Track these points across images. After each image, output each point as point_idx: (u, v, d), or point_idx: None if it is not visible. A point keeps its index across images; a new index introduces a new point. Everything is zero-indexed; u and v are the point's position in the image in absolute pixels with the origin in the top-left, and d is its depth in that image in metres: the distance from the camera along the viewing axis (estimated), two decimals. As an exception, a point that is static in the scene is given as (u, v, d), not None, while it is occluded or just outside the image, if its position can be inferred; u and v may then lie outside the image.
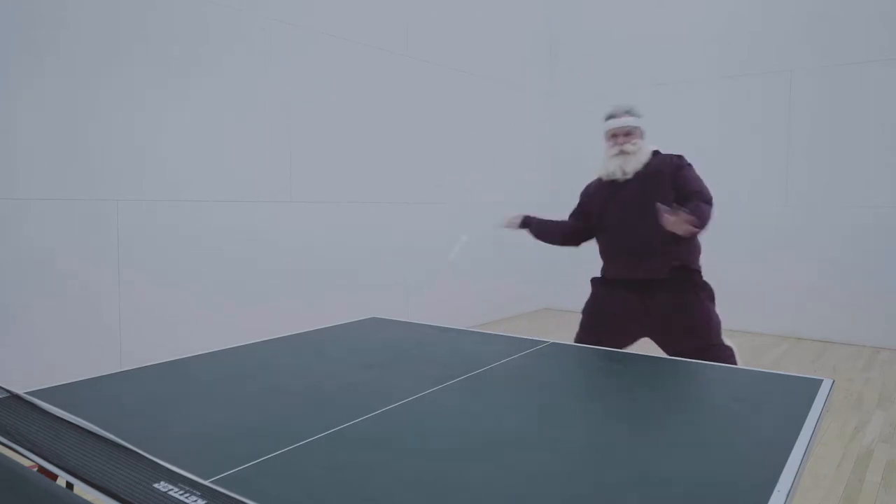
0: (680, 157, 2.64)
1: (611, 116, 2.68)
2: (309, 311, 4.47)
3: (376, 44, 5.00)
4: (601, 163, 2.71)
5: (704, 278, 2.67)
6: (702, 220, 2.44)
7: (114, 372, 1.83)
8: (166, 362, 1.94)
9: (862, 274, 5.36)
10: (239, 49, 4.03)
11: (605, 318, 2.73)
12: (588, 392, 1.68)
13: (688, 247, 2.60)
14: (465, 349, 2.14)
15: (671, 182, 2.56)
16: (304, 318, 4.33)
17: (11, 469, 0.99)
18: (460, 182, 5.89)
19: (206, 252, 3.90)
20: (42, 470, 1.15)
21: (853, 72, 5.37)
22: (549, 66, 7.10)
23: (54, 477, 1.17)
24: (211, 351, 2.09)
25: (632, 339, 2.72)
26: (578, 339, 2.78)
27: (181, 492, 0.90)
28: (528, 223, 2.89)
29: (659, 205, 2.45)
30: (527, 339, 2.34)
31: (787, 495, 1.05)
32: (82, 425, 1.17)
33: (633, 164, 2.60)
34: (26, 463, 1.06)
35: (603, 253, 2.77)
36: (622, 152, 2.61)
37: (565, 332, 5.63)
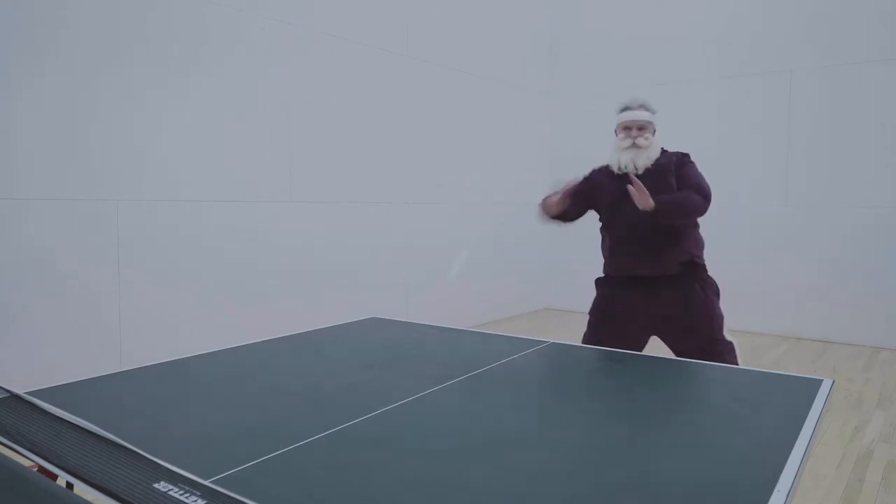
0: (685, 154, 2.65)
1: (625, 109, 2.68)
2: (309, 311, 4.47)
3: (376, 44, 5.00)
4: (611, 154, 2.70)
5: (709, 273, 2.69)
6: (682, 207, 2.48)
7: (114, 372, 1.83)
8: (166, 362, 1.94)
9: (862, 274, 5.36)
10: (239, 49, 4.03)
11: (612, 320, 2.73)
12: (588, 392, 1.68)
13: (694, 241, 2.62)
14: (465, 349, 2.14)
15: (675, 175, 2.58)
16: (304, 318, 4.32)
17: (11, 469, 0.99)
18: (460, 182, 5.89)
19: (206, 252, 3.90)
20: (42, 470, 1.15)
21: (853, 72, 5.36)
22: (549, 66, 7.10)
23: (54, 477, 1.17)
24: (211, 351, 2.09)
25: (640, 340, 2.71)
26: (587, 340, 2.77)
27: (181, 492, 0.90)
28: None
29: (632, 176, 2.49)
30: (527, 339, 2.34)
31: (787, 495, 1.05)
32: (82, 425, 1.17)
33: (644, 159, 2.60)
34: (26, 463, 1.06)
35: (608, 249, 2.76)
36: (634, 146, 2.60)
37: (565, 332, 5.64)
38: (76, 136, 3.32)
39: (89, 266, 3.39)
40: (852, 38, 5.36)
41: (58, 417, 1.23)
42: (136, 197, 3.57)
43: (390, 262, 5.19)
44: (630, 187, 2.46)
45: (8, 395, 1.36)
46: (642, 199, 2.44)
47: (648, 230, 2.56)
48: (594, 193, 2.75)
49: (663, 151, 2.67)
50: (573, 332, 5.58)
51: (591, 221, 2.87)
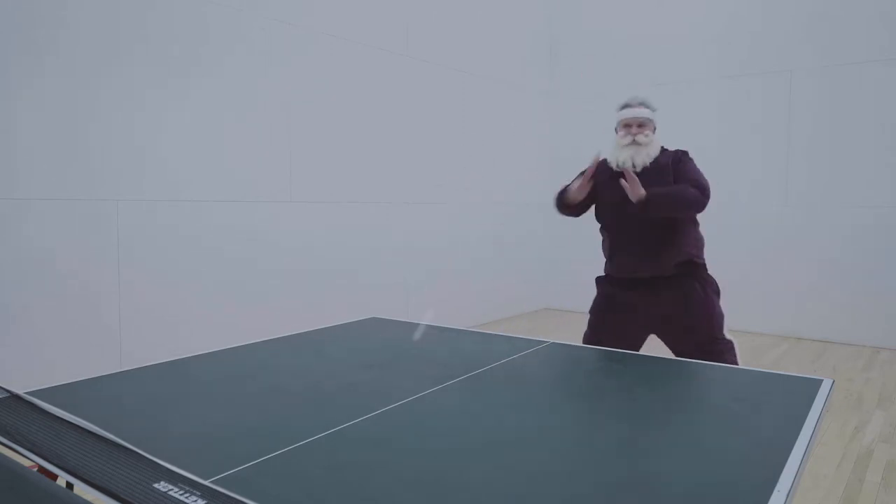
0: (684, 152, 2.64)
1: (626, 106, 2.68)
2: (309, 311, 4.47)
3: (376, 44, 5.00)
4: (611, 152, 2.70)
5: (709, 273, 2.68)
6: (676, 199, 2.46)
7: (114, 372, 1.83)
8: (166, 362, 1.94)
9: (862, 274, 5.36)
10: (239, 49, 4.03)
11: (612, 320, 2.72)
12: (588, 392, 1.68)
13: (693, 241, 2.61)
14: (465, 349, 2.14)
15: (672, 173, 2.57)
16: (304, 318, 4.32)
17: (11, 469, 0.99)
18: (460, 182, 5.89)
19: (206, 252, 3.90)
20: (42, 470, 1.15)
21: (853, 72, 5.37)
22: (549, 66, 7.10)
23: (54, 477, 1.17)
24: (211, 351, 2.09)
25: (638, 341, 2.71)
26: (587, 339, 2.77)
27: (181, 492, 0.90)
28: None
29: (625, 168, 2.49)
30: (527, 339, 2.34)
31: (787, 495, 1.05)
32: (82, 425, 1.17)
33: (644, 156, 2.59)
34: (26, 463, 1.06)
35: (607, 249, 2.76)
36: (634, 142, 2.60)
37: (565, 332, 5.64)
38: (76, 136, 3.32)
39: (89, 266, 3.39)
40: (852, 38, 5.36)
41: (58, 417, 1.23)
42: (136, 197, 3.57)
43: (390, 262, 5.19)
44: (622, 180, 2.47)
45: (8, 395, 1.36)
46: (634, 189, 2.44)
47: (647, 230, 2.56)
48: (597, 188, 2.75)
49: (663, 150, 2.67)
50: (573, 332, 5.58)
51: (590, 221, 2.87)
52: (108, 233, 3.46)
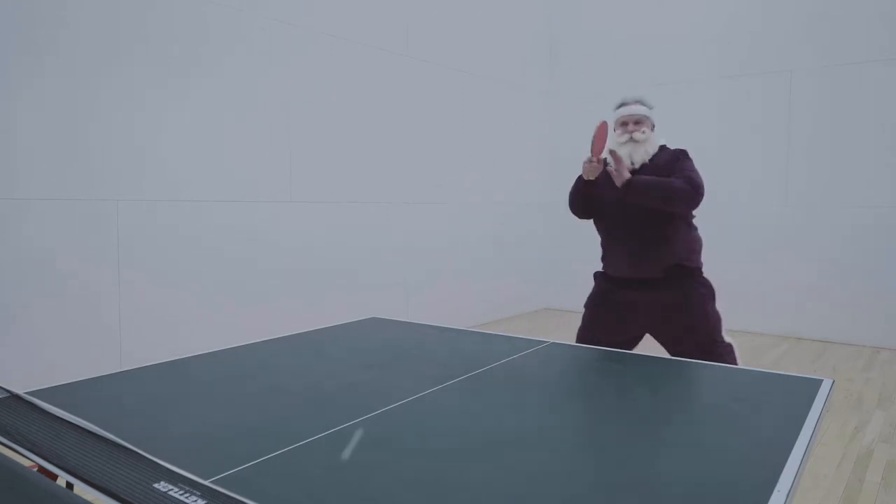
0: (682, 150, 2.62)
1: (622, 104, 2.68)
2: (309, 311, 4.47)
3: (376, 44, 5.00)
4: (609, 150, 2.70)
5: (705, 275, 2.66)
6: (659, 189, 2.44)
7: (114, 372, 1.83)
8: (166, 362, 1.94)
9: (862, 274, 5.36)
10: (239, 49, 4.03)
11: (606, 317, 2.72)
12: (588, 392, 1.68)
13: (685, 244, 2.58)
14: (465, 349, 2.14)
15: (668, 173, 2.54)
16: (304, 318, 4.32)
17: (11, 469, 0.99)
18: (460, 182, 5.89)
19: (206, 252, 3.90)
20: (42, 470, 1.15)
21: (853, 72, 5.37)
22: (549, 66, 7.10)
23: (54, 477, 1.17)
24: (211, 351, 2.09)
25: (632, 338, 2.71)
26: (580, 337, 2.76)
27: (181, 492, 0.90)
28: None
29: (612, 151, 2.49)
30: (527, 339, 2.34)
31: (787, 495, 1.05)
32: (82, 425, 1.17)
33: (641, 153, 2.58)
34: (26, 463, 1.06)
35: (602, 247, 2.77)
36: (631, 140, 2.60)
37: (565, 332, 5.63)
38: (76, 136, 3.32)
39: (89, 266, 3.39)
40: (852, 38, 5.36)
41: (58, 417, 1.23)
42: (136, 197, 3.57)
43: (390, 262, 5.19)
44: (608, 165, 2.47)
45: (8, 395, 1.36)
46: (620, 171, 2.44)
47: (638, 230, 2.56)
48: (596, 185, 2.76)
49: (664, 149, 2.66)
50: (573, 332, 5.56)
51: (591, 221, 2.87)
52: (108, 233, 3.46)
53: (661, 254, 2.55)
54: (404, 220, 5.32)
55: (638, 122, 2.62)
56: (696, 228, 2.67)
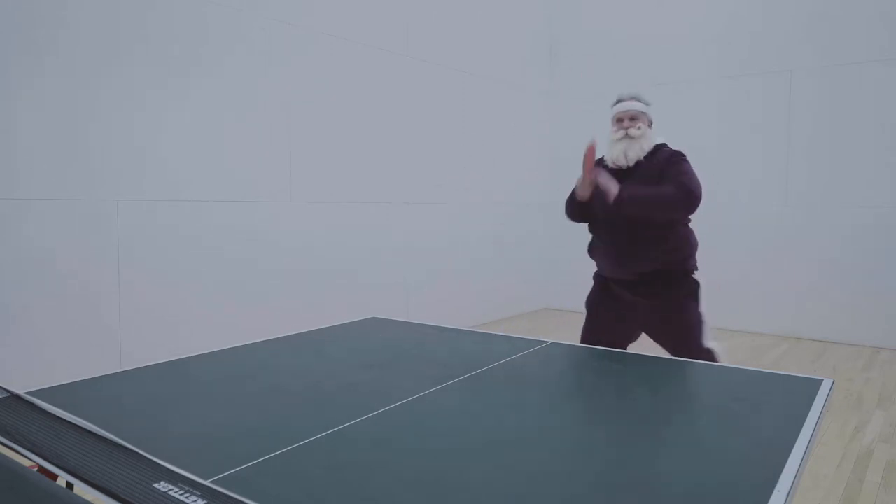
0: (677, 152, 2.59)
1: (618, 101, 2.69)
2: (309, 311, 4.47)
3: (376, 44, 5.00)
4: (606, 148, 2.70)
5: (696, 276, 2.62)
6: (651, 199, 2.43)
7: (114, 372, 1.83)
8: (166, 362, 1.94)
9: (862, 274, 5.36)
10: (239, 49, 4.03)
11: (605, 316, 2.73)
12: (588, 392, 1.68)
13: (673, 246, 2.55)
14: (465, 349, 2.14)
15: (662, 177, 2.52)
16: (304, 318, 4.33)
17: (11, 469, 0.99)
18: (460, 182, 5.90)
19: (206, 252, 3.90)
20: (42, 470, 1.15)
21: (853, 72, 5.37)
22: (549, 66, 7.10)
23: (54, 477, 1.17)
24: (211, 351, 2.09)
25: (628, 337, 2.72)
26: (583, 338, 2.78)
27: (181, 492, 0.90)
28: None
29: (598, 170, 2.49)
30: (527, 339, 2.34)
31: (787, 495, 1.05)
32: (82, 425, 1.17)
33: (636, 149, 2.57)
34: (26, 463, 1.06)
35: (591, 246, 2.77)
36: (626, 136, 2.59)
37: (565, 332, 5.64)
38: (76, 136, 3.32)
39: (89, 266, 3.39)
40: (852, 38, 5.36)
41: (58, 417, 1.23)
42: (136, 197, 3.57)
43: (390, 262, 5.19)
44: (599, 178, 2.47)
45: (8, 395, 1.36)
46: (608, 187, 2.44)
47: (626, 231, 2.55)
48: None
49: (662, 149, 2.63)
50: (573, 332, 5.58)
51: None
52: (108, 233, 3.46)
53: (647, 255, 2.53)
54: (404, 220, 5.32)
55: (633, 118, 2.61)
56: (690, 230, 2.63)
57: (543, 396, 1.61)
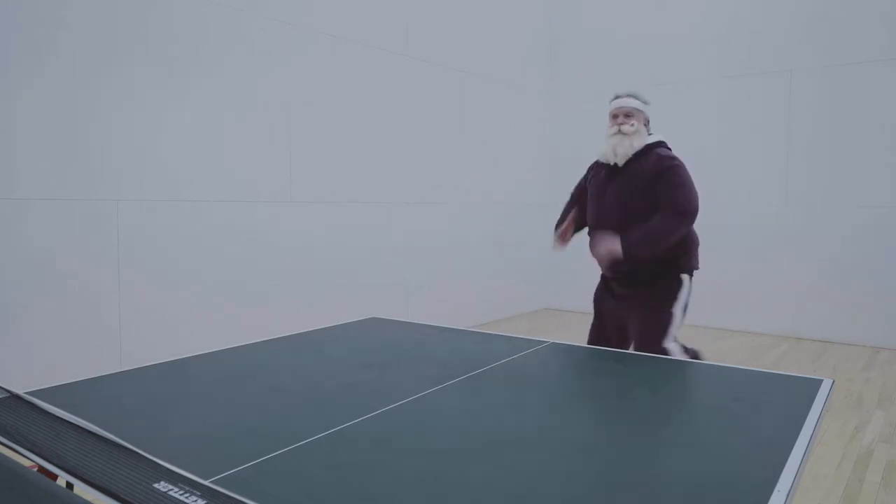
0: (670, 159, 2.54)
1: (615, 98, 2.71)
2: (309, 311, 4.47)
3: (376, 44, 5.00)
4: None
5: (684, 276, 2.60)
6: (654, 238, 2.45)
7: (114, 372, 1.83)
8: (166, 362, 1.94)
9: (862, 274, 5.36)
10: (239, 49, 4.03)
11: (607, 314, 2.78)
12: (588, 392, 1.68)
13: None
14: (465, 349, 2.14)
15: (652, 184, 2.52)
16: (304, 318, 4.33)
17: (11, 469, 0.99)
18: (460, 182, 5.89)
19: (206, 252, 3.90)
20: (42, 470, 1.15)
21: (853, 72, 5.37)
22: (549, 66, 7.10)
23: (54, 477, 1.17)
24: (211, 351, 2.09)
25: (623, 332, 2.73)
26: (589, 337, 2.84)
27: (181, 492, 0.90)
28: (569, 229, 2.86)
29: (603, 237, 2.54)
30: (527, 339, 2.34)
31: (787, 495, 1.05)
32: (82, 425, 1.17)
33: (626, 146, 2.57)
34: (26, 463, 1.06)
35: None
36: (619, 132, 2.60)
37: (565, 332, 5.63)
38: (76, 136, 3.32)
39: (89, 266, 3.39)
40: (852, 38, 5.36)
41: (58, 417, 1.23)
42: (136, 197, 3.57)
43: (390, 262, 5.19)
44: (601, 250, 2.53)
45: (8, 395, 1.36)
46: (611, 251, 2.48)
47: (607, 230, 2.58)
48: (587, 185, 2.80)
49: (660, 146, 2.61)
50: (573, 332, 5.58)
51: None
52: (108, 233, 3.46)
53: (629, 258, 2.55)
54: (404, 220, 5.32)
55: (628, 114, 2.62)
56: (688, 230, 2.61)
57: (543, 396, 1.61)
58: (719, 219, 5.85)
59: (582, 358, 2.06)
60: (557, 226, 2.88)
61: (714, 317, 5.94)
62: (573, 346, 2.24)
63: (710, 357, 4.78)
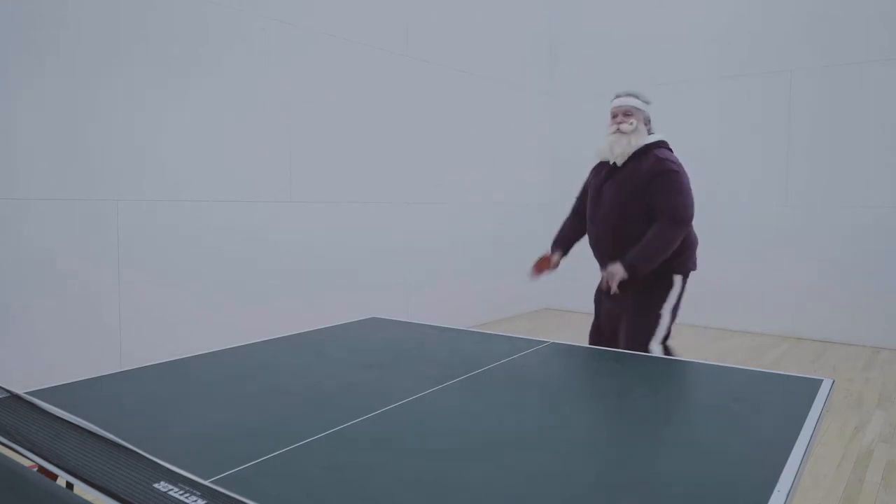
0: (665, 163, 2.52)
1: (616, 97, 2.71)
2: (309, 311, 4.47)
3: (376, 44, 5.00)
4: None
5: (676, 278, 2.60)
6: (654, 251, 2.46)
7: (114, 372, 1.83)
8: (166, 362, 1.94)
9: (862, 274, 5.36)
10: (239, 49, 4.03)
11: (604, 313, 2.79)
12: (588, 392, 1.68)
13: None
14: (465, 349, 2.14)
15: (648, 186, 2.51)
16: (304, 318, 4.33)
17: (11, 469, 0.99)
18: (460, 182, 5.89)
19: (206, 252, 3.90)
20: (42, 470, 1.15)
21: (853, 72, 5.36)
22: (549, 66, 7.10)
23: (54, 477, 1.17)
24: (211, 351, 2.09)
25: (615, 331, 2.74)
26: (590, 337, 2.85)
27: (181, 492, 0.90)
28: (559, 250, 2.88)
29: (607, 270, 2.54)
30: (527, 339, 2.34)
31: (787, 495, 1.05)
32: (82, 425, 1.17)
33: (622, 144, 2.57)
34: (26, 463, 1.06)
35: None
36: (618, 131, 2.60)
37: (565, 332, 5.63)
38: (76, 136, 3.32)
39: (89, 266, 3.39)
40: (852, 38, 5.36)
41: (58, 417, 1.23)
42: (136, 197, 3.57)
43: (390, 262, 5.19)
44: (605, 284, 2.55)
45: (8, 395, 1.36)
46: (615, 277, 2.49)
47: (603, 230, 2.60)
48: (588, 182, 2.82)
49: (653, 150, 2.58)
50: (573, 332, 5.58)
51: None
52: (108, 233, 3.46)
53: (617, 253, 2.56)
54: (404, 220, 5.32)
55: (627, 113, 2.62)
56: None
57: (543, 396, 1.61)
58: (719, 219, 5.85)
59: (582, 358, 2.06)
60: (553, 246, 2.88)
61: (714, 317, 5.94)
62: (573, 346, 2.23)
63: (710, 357, 4.78)
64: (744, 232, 5.87)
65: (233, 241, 4.04)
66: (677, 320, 2.65)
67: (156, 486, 0.93)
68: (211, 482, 1.00)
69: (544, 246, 7.05)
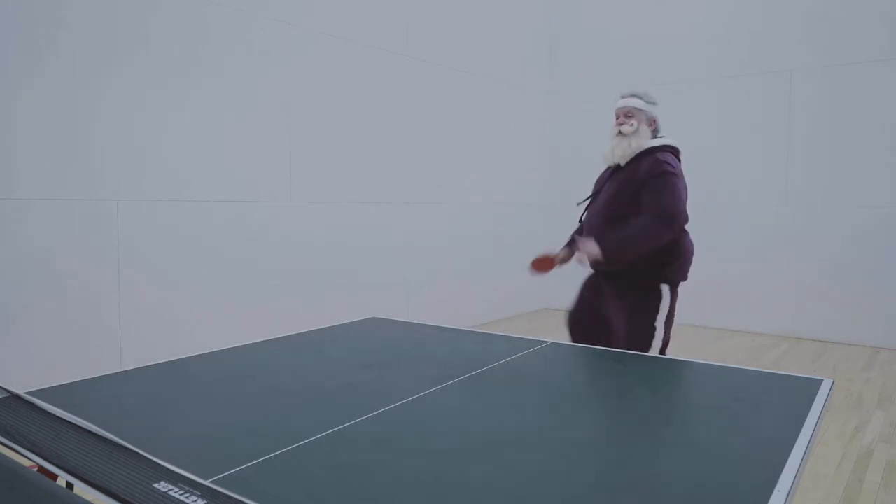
0: (662, 164, 2.48)
1: (620, 97, 2.70)
2: (309, 311, 4.47)
3: (376, 44, 5.00)
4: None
5: (665, 288, 2.53)
6: (632, 242, 2.42)
7: (114, 372, 1.83)
8: (166, 362, 1.94)
9: (862, 274, 5.36)
10: (239, 49, 4.03)
11: (583, 296, 2.81)
12: (588, 392, 1.68)
13: (652, 252, 2.48)
14: (465, 349, 2.14)
15: (640, 188, 2.48)
16: (304, 318, 4.32)
17: (11, 469, 0.99)
18: (460, 182, 5.89)
19: (206, 252, 3.90)
20: (42, 470, 1.15)
21: (853, 72, 5.36)
22: (549, 66, 7.10)
23: (54, 477, 1.16)
24: (211, 351, 2.09)
25: (604, 322, 2.71)
26: (568, 317, 2.86)
27: (181, 492, 0.90)
28: (567, 248, 2.86)
29: (582, 240, 2.53)
30: (527, 339, 2.34)
31: (787, 495, 1.05)
32: (82, 425, 1.17)
33: (623, 147, 2.55)
34: (26, 463, 1.06)
35: None
36: (619, 133, 2.59)
37: (565, 332, 5.62)
38: (76, 136, 3.32)
39: (89, 266, 3.39)
40: (852, 38, 5.36)
41: (58, 417, 1.23)
42: (136, 197, 3.57)
43: (390, 262, 5.19)
44: (576, 259, 2.56)
45: (8, 395, 1.36)
46: (589, 254, 2.47)
47: (595, 224, 2.59)
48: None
49: (655, 156, 2.53)
50: (573, 332, 5.58)
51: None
52: (108, 233, 3.46)
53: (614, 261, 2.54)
54: (404, 220, 5.32)
55: (628, 114, 2.60)
56: (680, 238, 2.51)
57: (543, 396, 1.61)
58: (719, 219, 5.84)
59: (582, 358, 2.06)
60: (568, 244, 2.83)
61: (714, 317, 5.94)
62: (573, 346, 2.24)
63: (710, 357, 4.78)
64: (744, 232, 5.87)
65: (233, 241, 4.04)
66: (673, 328, 2.61)
67: (156, 486, 0.93)
68: (211, 482, 1.00)
69: (544, 246, 7.06)
